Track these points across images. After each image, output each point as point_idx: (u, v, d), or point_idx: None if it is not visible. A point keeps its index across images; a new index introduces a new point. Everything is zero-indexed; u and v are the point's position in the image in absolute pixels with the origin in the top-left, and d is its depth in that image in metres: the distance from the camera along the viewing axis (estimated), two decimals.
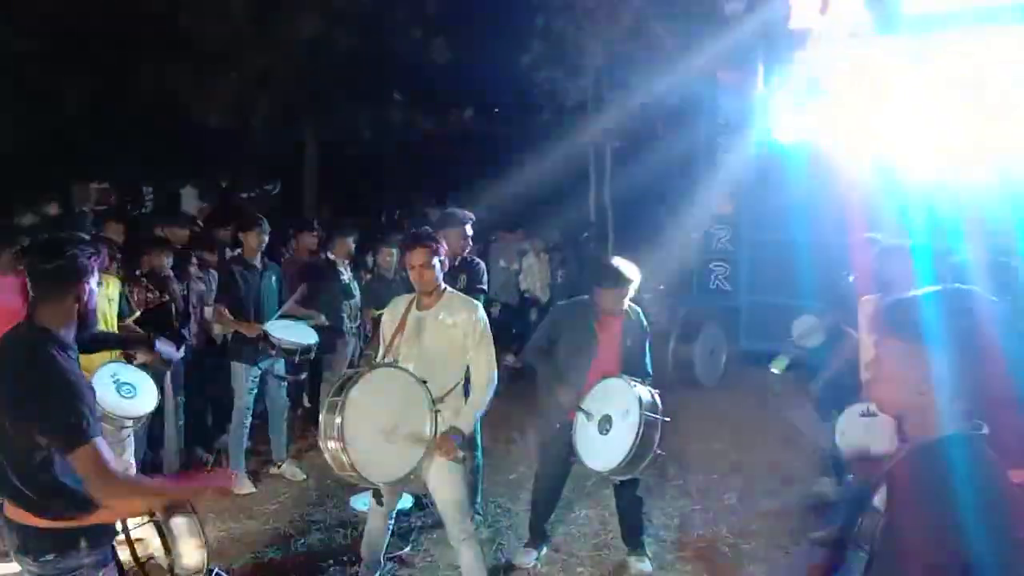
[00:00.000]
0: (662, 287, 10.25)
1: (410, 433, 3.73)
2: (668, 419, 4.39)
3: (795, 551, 5.04)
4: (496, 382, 4.05)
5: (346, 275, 7.09)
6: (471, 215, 5.55)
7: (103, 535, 2.74)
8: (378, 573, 4.48)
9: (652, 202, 13.59)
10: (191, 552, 3.35)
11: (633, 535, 4.92)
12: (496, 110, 14.91)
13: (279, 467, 6.30)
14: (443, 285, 4.10)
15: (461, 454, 3.91)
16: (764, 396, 8.43)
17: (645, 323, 4.85)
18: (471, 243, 5.55)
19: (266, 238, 6.21)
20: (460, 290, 5.10)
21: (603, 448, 4.38)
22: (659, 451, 4.30)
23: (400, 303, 4.16)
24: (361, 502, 5.41)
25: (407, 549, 5.09)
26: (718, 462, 6.67)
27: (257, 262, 6.15)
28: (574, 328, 4.78)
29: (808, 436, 5.86)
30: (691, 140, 10.44)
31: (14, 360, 2.66)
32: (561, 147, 13.95)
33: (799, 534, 5.33)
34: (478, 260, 5.81)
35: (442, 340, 3.98)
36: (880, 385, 1.86)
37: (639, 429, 4.19)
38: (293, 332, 6.07)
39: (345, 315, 6.95)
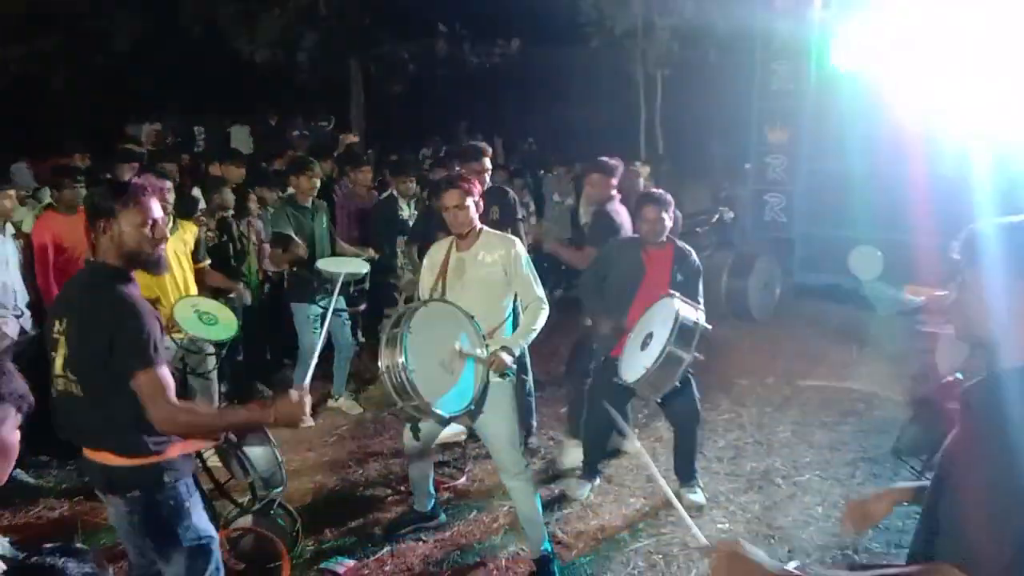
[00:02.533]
0: (731, 214, 10.11)
1: (464, 366, 3.76)
2: (709, 326, 4.36)
3: None
4: (547, 307, 4.07)
5: (405, 212, 7.13)
6: (487, 147, 5.66)
7: (184, 466, 2.83)
8: (431, 503, 4.61)
9: (704, 132, 13.33)
10: (270, 473, 3.49)
11: (686, 467, 4.95)
12: (544, 40, 14.62)
13: (336, 400, 6.45)
14: (479, 225, 4.11)
15: (511, 366, 3.91)
16: (819, 330, 8.34)
17: (697, 261, 4.81)
18: (488, 177, 5.59)
19: (317, 181, 6.26)
20: (494, 221, 5.13)
21: (638, 361, 4.39)
22: (697, 354, 4.27)
23: (439, 248, 4.19)
24: None
25: (462, 480, 5.21)
26: (772, 395, 6.64)
27: (308, 203, 6.20)
28: (623, 262, 4.83)
29: None
30: (745, 67, 10.12)
31: (82, 295, 2.74)
32: (611, 77, 13.68)
33: (853, 466, 5.33)
34: (507, 189, 5.84)
35: (484, 279, 4.02)
36: (959, 313, 1.85)
37: (670, 334, 4.17)
38: (344, 265, 6.15)
39: (400, 251, 7.03)
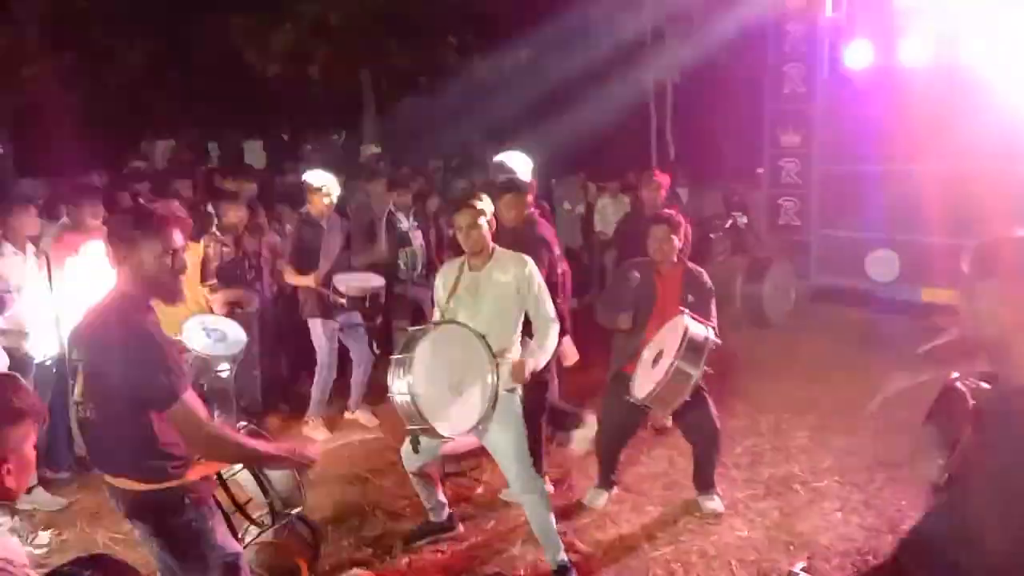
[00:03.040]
0: (745, 218, 10.06)
1: (473, 387, 3.79)
2: (719, 342, 4.38)
3: None
4: (559, 325, 4.12)
5: (404, 224, 7.17)
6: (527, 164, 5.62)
7: (204, 489, 2.85)
8: (446, 512, 4.62)
9: (716, 136, 13.30)
10: (288, 492, 3.53)
11: (703, 475, 4.93)
12: (553, 48, 14.65)
13: (353, 413, 6.48)
14: (491, 244, 4.12)
15: (525, 378, 3.95)
16: (835, 333, 8.29)
17: (709, 283, 4.85)
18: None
19: (335, 198, 6.28)
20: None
21: (649, 378, 4.44)
22: (707, 368, 4.30)
23: (452, 267, 4.23)
24: None
25: (479, 490, 5.21)
26: (789, 401, 6.60)
27: (322, 220, 6.24)
28: (637, 282, 4.85)
29: None
30: (756, 71, 10.10)
31: (101, 324, 2.74)
32: (621, 84, 13.67)
33: (872, 470, 5.28)
34: (543, 202, 5.95)
35: (498, 298, 4.04)
36: (968, 322, 1.85)
37: (679, 350, 4.20)
38: (358, 279, 6.20)
39: (401, 262, 7.08)
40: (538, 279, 4.10)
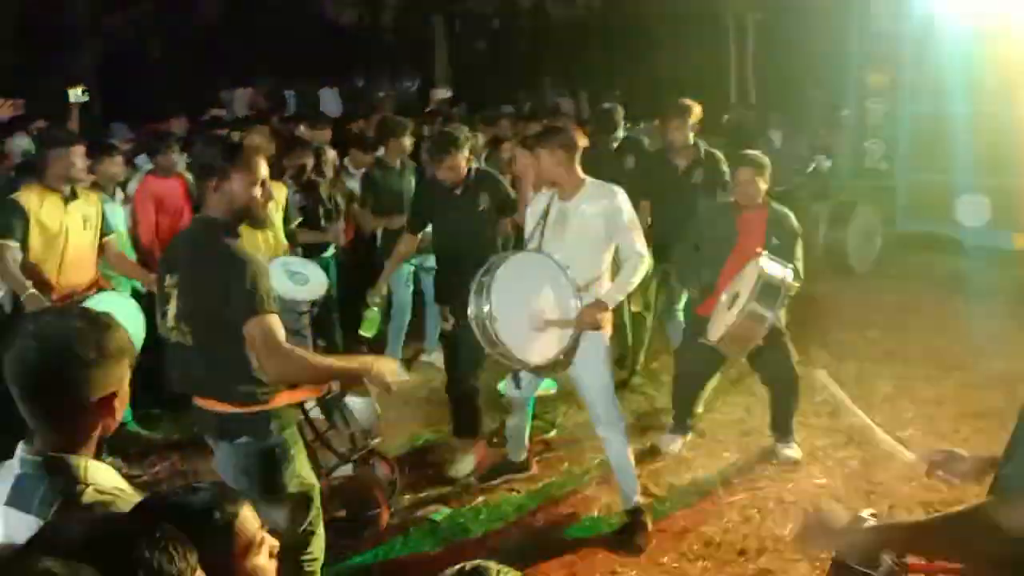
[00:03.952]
0: (829, 162, 9.74)
1: (556, 318, 3.77)
2: (797, 284, 4.28)
3: None
4: (646, 261, 4.01)
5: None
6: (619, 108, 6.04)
7: (290, 416, 2.94)
8: (524, 455, 4.67)
9: (799, 78, 12.81)
10: (368, 424, 3.61)
11: (781, 422, 4.85)
12: None
13: (429, 356, 6.56)
14: (582, 175, 4.05)
15: (603, 325, 3.90)
16: (922, 281, 8.01)
17: (795, 224, 4.71)
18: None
19: (409, 143, 6.29)
20: (630, 170, 5.73)
21: (723, 320, 4.35)
22: (779, 314, 4.23)
23: (542, 198, 4.19)
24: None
25: (552, 433, 5.24)
26: (872, 350, 6.42)
27: (396, 163, 6.25)
28: (716, 228, 4.79)
29: None
30: (842, 8, 9.66)
31: (193, 248, 2.86)
32: (699, 22, 13.26)
33: (958, 422, 5.12)
34: (641, 140, 6.29)
35: (586, 230, 3.98)
36: None
37: (752, 291, 4.11)
38: None
39: None
40: (628, 211, 3.99)
